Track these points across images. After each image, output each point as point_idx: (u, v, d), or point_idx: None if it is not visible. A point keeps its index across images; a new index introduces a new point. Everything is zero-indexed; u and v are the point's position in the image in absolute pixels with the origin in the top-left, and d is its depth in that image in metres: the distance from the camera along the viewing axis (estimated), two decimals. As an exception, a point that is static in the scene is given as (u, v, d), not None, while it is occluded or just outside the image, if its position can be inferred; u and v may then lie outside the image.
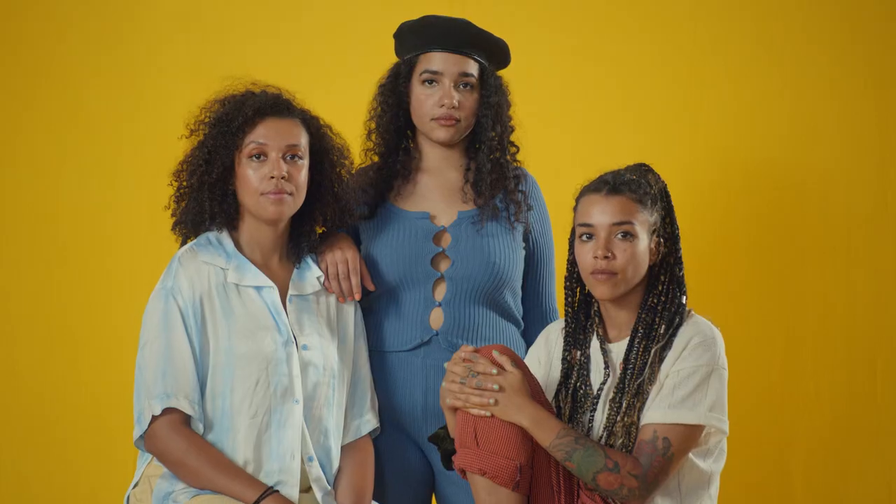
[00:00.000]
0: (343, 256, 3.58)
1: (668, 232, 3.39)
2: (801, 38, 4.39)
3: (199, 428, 3.40)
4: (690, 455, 3.28)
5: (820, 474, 4.34)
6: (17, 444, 4.31)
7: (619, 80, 4.40)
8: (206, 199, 3.48)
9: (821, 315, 4.37)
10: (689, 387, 3.25)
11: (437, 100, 3.63)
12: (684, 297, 3.38)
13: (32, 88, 4.35)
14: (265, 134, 3.45)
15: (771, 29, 4.40)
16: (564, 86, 4.37)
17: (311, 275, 3.56)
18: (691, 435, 3.25)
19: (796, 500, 4.33)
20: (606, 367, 3.37)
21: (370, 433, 3.62)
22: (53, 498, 4.28)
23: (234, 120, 3.46)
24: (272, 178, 3.42)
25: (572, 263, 3.41)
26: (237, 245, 3.51)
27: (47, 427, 4.30)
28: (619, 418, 3.29)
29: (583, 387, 3.39)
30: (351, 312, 3.62)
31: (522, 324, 3.78)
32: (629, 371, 3.31)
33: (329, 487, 3.49)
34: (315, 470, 3.46)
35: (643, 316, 3.34)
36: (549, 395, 3.42)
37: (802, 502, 4.34)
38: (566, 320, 3.47)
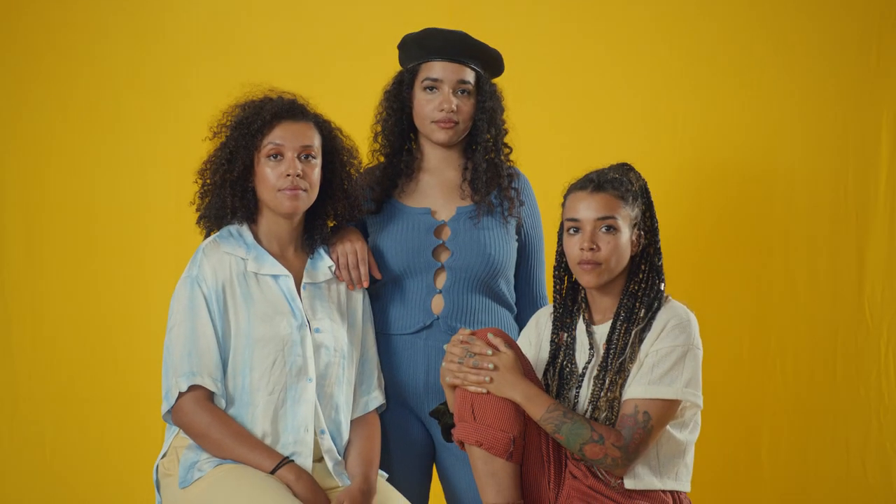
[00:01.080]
0: (352, 248, 3.59)
1: (647, 225, 3.40)
2: (766, 45, 4.39)
3: (222, 403, 3.41)
4: (668, 427, 3.30)
5: (784, 443, 4.35)
6: (57, 419, 4.32)
7: (603, 88, 4.41)
8: (228, 196, 3.49)
9: (785, 300, 4.38)
10: (666, 365, 3.27)
11: (437, 105, 3.64)
12: (662, 284, 3.40)
13: (73, 96, 4.35)
14: (282, 136, 3.46)
15: (739, 37, 4.40)
16: (554, 92, 4.38)
17: (324, 264, 3.57)
18: (669, 409, 3.27)
19: (763, 468, 4.34)
20: (591, 347, 3.39)
21: (377, 409, 3.62)
22: (89, 467, 4.28)
23: (253, 123, 3.47)
24: (288, 176, 3.43)
25: (560, 254, 3.42)
26: (256, 237, 3.52)
27: (83, 404, 4.31)
28: (602, 394, 3.30)
29: (569, 365, 3.40)
30: (359, 299, 3.63)
31: (515, 309, 3.78)
32: (612, 351, 3.33)
33: (339, 458, 3.49)
34: (327, 442, 3.47)
35: (625, 301, 3.35)
36: (539, 374, 3.44)
37: (769, 469, 4.34)
38: (555, 305, 3.48)
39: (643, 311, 3.34)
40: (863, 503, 4.31)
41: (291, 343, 3.44)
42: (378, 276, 3.63)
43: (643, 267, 3.38)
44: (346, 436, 3.53)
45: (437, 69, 3.65)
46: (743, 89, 4.39)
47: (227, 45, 4.35)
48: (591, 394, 3.32)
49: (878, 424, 4.31)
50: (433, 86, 3.65)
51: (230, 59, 4.29)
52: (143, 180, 4.31)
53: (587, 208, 3.33)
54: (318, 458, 3.48)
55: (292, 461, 3.38)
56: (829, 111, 4.38)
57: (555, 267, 3.46)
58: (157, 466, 3.51)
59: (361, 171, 3.68)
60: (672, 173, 4.26)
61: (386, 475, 3.58)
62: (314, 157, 3.50)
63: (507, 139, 3.75)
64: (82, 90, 4.35)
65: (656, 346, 3.29)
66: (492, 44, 3.71)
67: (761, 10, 4.39)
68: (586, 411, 3.32)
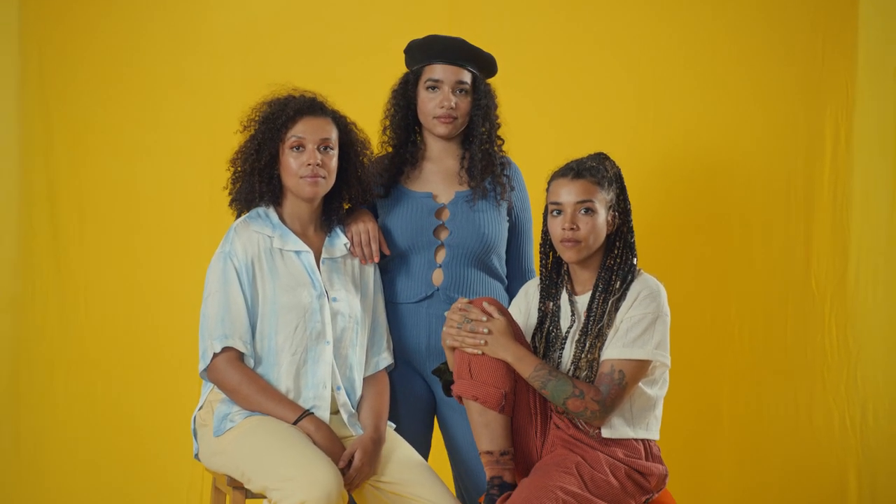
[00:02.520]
0: (365, 227, 3.61)
1: (621, 207, 3.41)
2: (729, 51, 4.39)
3: (251, 363, 3.44)
4: (640, 384, 3.32)
5: (742, 398, 4.38)
6: (106, 377, 4.32)
7: (584, 88, 4.41)
8: (257, 182, 3.51)
9: (743, 273, 4.39)
10: (638, 330, 3.29)
11: (438, 102, 3.65)
12: (635, 259, 3.41)
13: (121, 94, 4.35)
14: (303, 130, 3.47)
15: (704, 44, 4.40)
16: (541, 91, 4.38)
17: (340, 242, 3.59)
18: (641, 368, 3.29)
19: (723, 419, 4.37)
20: (573, 315, 3.40)
21: (386, 368, 3.64)
22: (135, 419, 4.30)
23: (278, 118, 3.49)
24: (309, 165, 3.45)
25: (545, 233, 3.43)
26: (281, 218, 3.53)
27: (129, 363, 4.32)
28: (583, 355, 3.32)
29: (555, 330, 3.41)
30: (371, 272, 3.65)
31: (506, 281, 3.79)
32: (591, 318, 3.34)
33: (353, 410, 3.51)
34: (342, 397, 3.49)
35: (602, 274, 3.37)
36: (528, 338, 3.45)
37: (728, 420, 4.37)
38: (541, 278, 3.49)
39: (618, 283, 3.35)
40: (808, 448, 4.34)
41: (312, 311, 3.46)
42: (387, 252, 3.65)
43: (618, 244, 3.39)
44: (359, 391, 3.55)
45: (438, 71, 3.66)
46: (708, 89, 4.40)
47: (255, 49, 4.35)
48: (574, 355, 3.34)
49: (822, 382, 4.33)
50: (435, 86, 3.66)
51: (257, 62, 4.29)
52: (182, 168, 4.32)
53: (568, 193, 3.34)
54: (335, 411, 3.50)
55: (312, 413, 3.40)
56: (781, 109, 4.39)
57: (541, 244, 3.47)
58: (195, 418, 3.54)
59: (372, 160, 3.69)
60: (645, 162, 4.27)
61: (394, 426, 3.60)
62: (332, 149, 3.51)
63: (499, 132, 3.76)
64: (129, 88, 4.35)
65: (630, 313, 3.31)
66: (486, 47, 3.73)
67: (725, 20, 4.39)
68: (569, 370, 3.34)
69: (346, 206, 3.66)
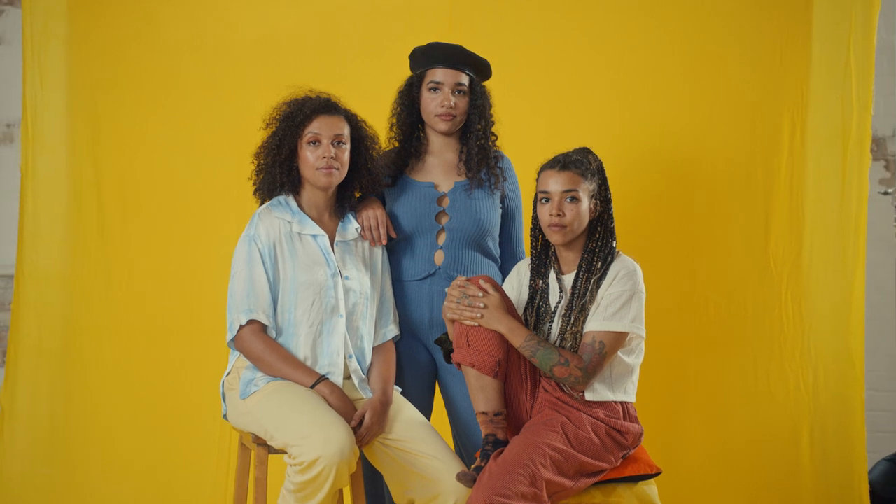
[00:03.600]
0: (374, 214, 3.59)
1: (603, 196, 3.40)
2: (699, 55, 4.36)
3: (272, 334, 3.43)
4: (619, 353, 3.32)
5: (709, 365, 4.35)
6: (145, 347, 4.31)
7: (570, 90, 4.37)
8: (278, 173, 3.50)
9: (709, 253, 4.36)
10: (617, 305, 3.29)
11: (439, 102, 3.63)
12: (614, 242, 3.41)
13: (157, 95, 4.32)
14: (319, 127, 3.46)
15: (678, 49, 4.36)
16: (531, 92, 4.34)
17: (352, 227, 3.57)
18: (619, 339, 3.29)
19: (691, 384, 4.34)
20: (560, 291, 3.39)
21: (392, 338, 3.62)
22: (171, 384, 4.28)
23: (297, 116, 3.48)
24: (324, 157, 3.44)
25: (535, 219, 3.42)
26: (299, 205, 3.53)
27: (166, 334, 4.30)
28: (568, 328, 3.32)
29: (543, 305, 3.41)
30: (379, 253, 3.62)
31: (499, 261, 3.77)
32: (576, 295, 3.34)
33: (363, 376, 3.50)
34: (354, 364, 3.48)
35: (585, 256, 3.36)
36: (520, 312, 3.44)
37: (695, 384, 4.34)
38: (531, 259, 3.48)
39: (599, 263, 3.35)
40: (767, 408, 4.31)
41: (326, 287, 3.45)
42: (394, 235, 3.63)
43: (599, 229, 3.38)
44: (368, 359, 3.53)
45: (439, 74, 3.63)
46: (680, 91, 4.35)
47: (276, 56, 4.32)
48: (560, 327, 3.34)
49: (779, 350, 4.30)
50: (436, 87, 3.64)
51: (278, 67, 4.26)
52: (211, 160, 4.29)
53: (555, 183, 3.33)
54: (347, 377, 3.49)
55: (327, 378, 3.40)
56: (743, 108, 4.35)
57: (531, 229, 3.46)
58: (223, 382, 3.54)
59: (381, 153, 3.67)
60: (624, 156, 4.24)
61: (399, 389, 3.59)
62: (344, 143, 3.49)
63: (494, 129, 3.74)
64: (165, 90, 4.32)
65: (609, 290, 3.31)
66: (482, 50, 3.71)
67: (695, 32, 4.35)
68: (556, 341, 3.34)
69: (358, 195, 3.65)
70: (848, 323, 4.26)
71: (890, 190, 4.77)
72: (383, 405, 3.41)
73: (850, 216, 4.26)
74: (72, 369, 4.28)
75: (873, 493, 4.52)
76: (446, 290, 3.37)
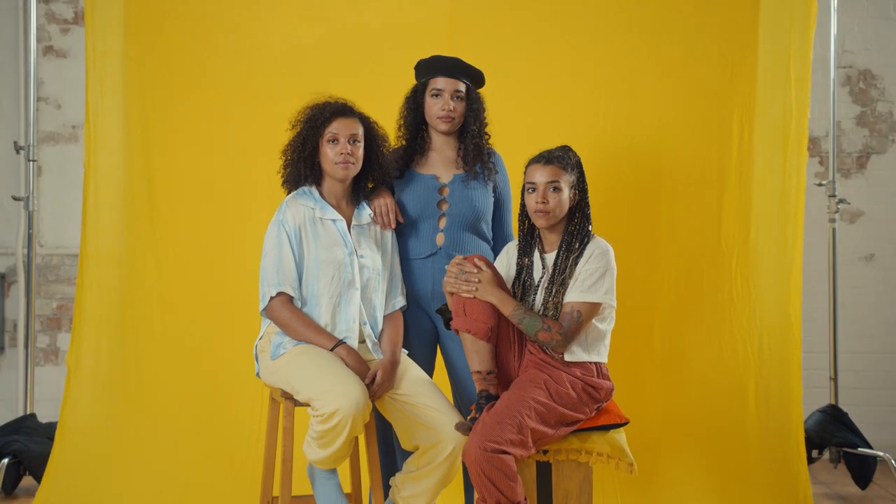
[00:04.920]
0: (385, 202, 3.56)
1: (580, 187, 3.39)
2: (659, 68, 4.32)
3: (298, 304, 3.42)
4: (593, 321, 3.31)
5: (669, 330, 4.32)
6: (190, 318, 4.28)
7: (553, 96, 4.33)
8: (302, 167, 3.49)
9: (669, 236, 4.33)
10: (592, 279, 3.28)
11: (440, 106, 3.60)
12: (590, 226, 3.39)
13: (202, 102, 4.29)
14: (337, 127, 3.44)
15: (642, 62, 4.33)
16: (520, 96, 4.30)
17: (365, 213, 3.55)
18: (594, 309, 3.29)
19: (655, 347, 4.32)
20: (543, 268, 3.37)
21: (400, 308, 3.59)
22: (213, 345, 4.26)
23: (318, 118, 3.46)
24: (342, 154, 3.43)
25: (523, 206, 3.40)
26: (321, 194, 3.50)
27: (208, 305, 4.27)
28: (550, 299, 3.31)
29: (529, 280, 3.39)
30: (389, 235, 3.60)
31: (492, 242, 3.73)
32: (557, 271, 3.33)
33: (376, 340, 3.49)
34: (367, 330, 3.47)
35: (565, 237, 3.35)
36: (509, 285, 3.41)
37: (659, 348, 4.32)
38: (519, 240, 3.46)
39: (577, 244, 3.34)
40: (719, 368, 4.29)
41: (344, 265, 3.43)
42: (401, 220, 3.60)
43: (577, 215, 3.37)
44: (380, 326, 3.51)
45: (440, 82, 3.60)
46: (646, 98, 4.32)
47: (301, 67, 4.28)
48: (543, 299, 3.32)
49: (729, 319, 4.28)
50: (437, 93, 3.61)
51: (302, 76, 4.22)
52: (246, 157, 4.25)
53: (540, 175, 3.32)
54: (362, 341, 3.48)
55: (345, 342, 3.38)
56: (699, 112, 4.32)
57: (519, 214, 3.44)
58: (256, 345, 3.53)
59: (390, 150, 3.65)
60: (599, 153, 4.20)
61: (406, 352, 3.56)
62: (359, 142, 3.48)
63: (487, 129, 3.70)
64: (206, 96, 4.29)
65: (586, 267, 3.29)
66: (476, 60, 3.68)
67: (658, 47, 4.31)
68: (540, 310, 3.33)
69: (371, 186, 3.62)
70: (787, 295, 4.26)
71: (823, 182, 4.76)
72: (393, 365, 3.39)
73: (790, 205, 4.26)
74: (127, 335, 4.25)
75: (808, 440, 4.53)
76: (446, 267, 3.37)
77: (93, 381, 4.22)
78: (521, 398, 3.19)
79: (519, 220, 3.44)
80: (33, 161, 4.61)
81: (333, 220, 3.47)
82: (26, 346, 4.63)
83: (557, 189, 3.30)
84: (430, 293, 3.62)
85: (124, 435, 4.19)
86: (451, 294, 3.32)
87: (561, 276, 3.30)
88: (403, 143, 3.70)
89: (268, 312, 3.42)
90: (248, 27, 4.29)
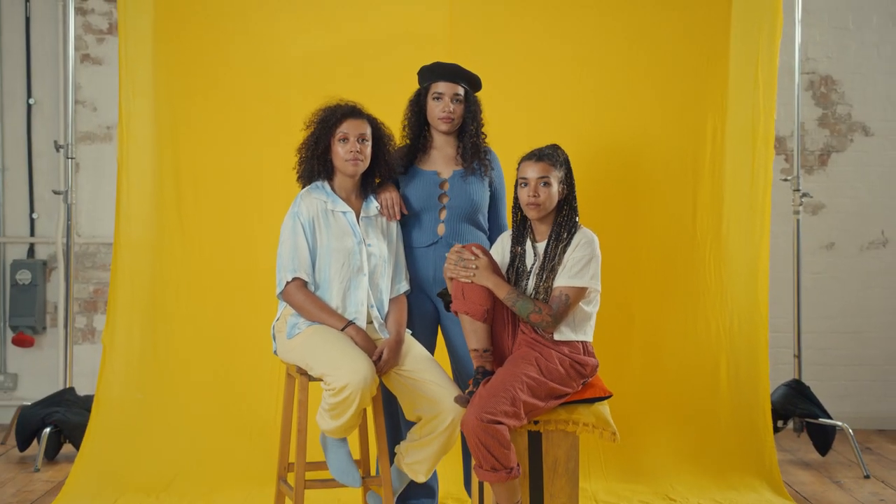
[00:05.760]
0: (390, 196, 3.54)
1: (568, 182, 3.36)
2: (641, 74, 4.28)
3: (312, 288, 3.39)
4: (580, 303, 3.29)
5: (649, 313, 4.29)
6: (215, 300, 4.24)
7: (544, 99, 4.28)
8: (315, 164, 3.45)
9: (648, 225, 4.29)
10: (579, 266, 3.25)
11: (441, 108, 3.57)
12: (577, 218, 3.36)
13: (225, 104, 4.25)
14: (347, 127, 3.41)
15: (627, 70, 4.29)
16: (514, 99, 4.25)
17: (373, 205, 3.52)
18: (581, 293, 3.26)
19: (635, 324, 4.28)
20: (534, 255, 3.35)
21: (404, 292, 3.56)
22: (236, 325, 4.22)
23: (330, 119, 3.43)
24: (351, 151, 3.40)
25: (516, 199, 3.37)
26: (332, 189, 3.47)
27: (230, 290, 4.23)
28: (541, 284, 3.28)
29: (521, 266, 3.36)
30: (394, 226, 3.56)
31: (488, 232, 3.70)
32: (547, 258, 3.30)
33: (382, 321, 3.46)
34: (374, 312, 3.44)
35: (555, 228, 3.32)
36: (503, 271, 3.38)
37: (639, 329, 4.28)
38: (512, 230, 3.43)
39: (565, 233, 3.31)
40: (693, 346, 4.26)
41: (353, 253, 3.40)
42: (405, 212, 3.57)
43: (565, 207, 3.34)
44: (386, 308, 3.48)
45: (441, 87, 3.57)
46: (629, 102, 4.28)
47: (314, 72, 4.23)
48: (534, 283, 3.29)
49: (703, 301, 4.26)
50: (439, 97, 3.58)
51: (315, 80, 4.17)
52: (265, 154, 4.20)
53: (532, 171, 3.29)
54: (370, 322, 3.45)
55: (354, 323, 3.37)
56: (677, 115, 4.28)
57: (513, 207, 3.41)
58: (273, 326, 3.50)
59: (395, 148, 3.61)
60: (586, 151, 4.15)
61: (410, 332, 3.54)
62: (367, 140, 3.44)
63: (484, 129, 3.67)
64: (229, 99, 4.24)
65: (573, 255, 3.27)
66: (474, 66, 3.66)
67: (645, 54, 4.28)
68: (531, 294, 3.30)
69: (377, 181, 3.59)
70: (756, 280, 4.24)
71: (789, 178, 4.74)
72: (398, 344, 3.37)
73: (758, 197, 4.25)
74: (157, 316, 4.22)
75: (774, 411, 4.52)
76: (446, 254, 3.33)
77: (125, 358, 4.19)
78: (514, 374, 3.17)
79: (512, 212, 3.41)
80: (71, 158, 4.59)
81: (344, 212, 3.44)
82: (66, 327, 4.61)
83: (547, 184, 3.27)
84: (432, 278, 3.59)
85: (154, 406, 4.17)
86: (451, 279, 3.29)
87: (551, 263, 3.27)
88: (408, 141, 3.67)
89: (284, 296, 3.39)
90: (265, 36, 4.26)
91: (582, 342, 3.30)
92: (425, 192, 3.59)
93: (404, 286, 3.55)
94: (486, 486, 3.25)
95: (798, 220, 4.72)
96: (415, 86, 3.67)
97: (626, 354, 4.24)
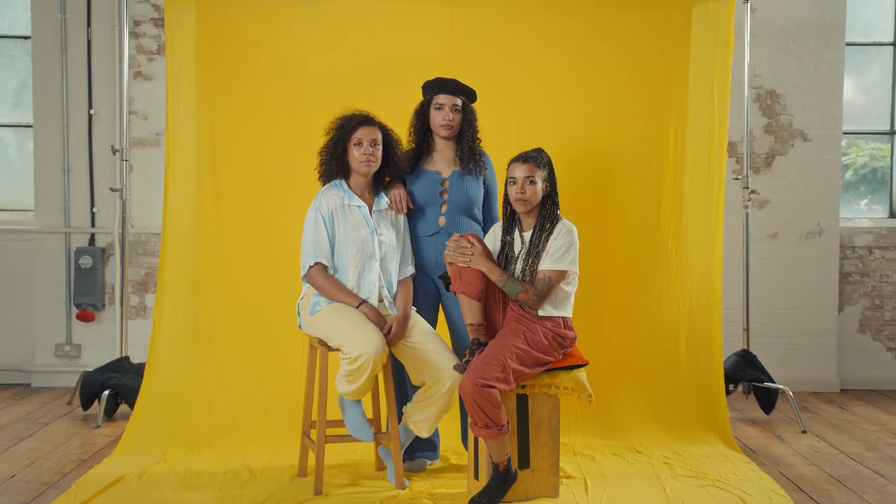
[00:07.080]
0: (399, 192, 3.50)
1: (551, 180, 3.33)
2: (616, 82, 4.23)
3: (331, 271, 3.37)
4: (561, 284, 3.26)
5: (620, 293, 4.25)
6: (249, 281, 4.19)
7: (530, 108, 4.24)
8: (334, 165, 3.43)
9: (619, 218, 4.24)
10: (560, 252, 3.22)
11: (442, 117, 3.54)
12: (558, 211, 3.33)
13: (259, 111, 4.20)
14: (362, 134, 3.38)
15: (602, 78, 4.24)
16: (503, 110, 4.18)
17: (383, 201, 3.49)
18: (562, 275, 3.23)
19: (608, 306, 4.24)
20: (522, 243, 3.31)
21: (410, 275, 3.52)
22: (263, 301, 4.18)
23: (346, 126, 3.40)
24: (365, 154, 3.37)
25: (506, 195, 3.34)
26: (348, 186, 3.44)
27: (261, 273, 4.18)
28: (527, 268, 3.25)
29: (510, 252, 3.33)
30: (402, 218, 3.53)
31: (482, 224, 3.65)
32: (532, 245, 3.27)
33: (391, 300, 3.43)
34: (385, 292, 3.41)
35: (539, 220, 3.29)
36: (495, 257, 3.35)
37: (611, 306, 4.24)
38: (503, 222, 3.40)
39: (548, 224, 3.28)
40: (657, 322, 4.22)
41: (366, 241, 3.38)
42: (412, 206, 3.54)
43: (548, 202, 3.31)
44: (395, 288, 3.45)
45: (442, 98, 3.54)
46: (603, 109, 4.23)
47: (334, 86, 4.18)
48: (522, 268, 3.26)
49: (666, 284, 4.22)
50: (440, 107, 3.54)
51: (335, 93, 4.11)
52: (292, 156, 4.13)
53: (519, 171, 3.26)
54: (381, 300, 3.42)
55: (367, 301, 3.34)
56: (644, 120, 4.23)
57: (503, 202, 3.38)
58: (298, 304, 3.48)
59: (403, 152, 3.57)
60: (566, 153, 4.09)
61: (415, 309, 3.50)
62: (378, 145, 3.41)
63: (478, 135, 3.63)
64: (262, 107, 4.20)
65: (555, 242, 3.24)
66: (470, 80, 3.63)
67: (614, 67, 4.23)
68: (519, 276, 3.27)
69: (387, 179, 3.55)
70: (711, 265, 4.20)
71: (739, 177, 4.70)
72: (405, 319, 3.35)
73: (713, 194, 4.21)
74: (198, 296, 4.19)
75: (726, 376, 4.49)
76: (446, 242, 3.31)
77: (172, 332, 4.16)
78: (504, 345, 3.15)
79: (503, 206, 3.37)
80: (126, 161, 4.55)
81: (358, 207, 3.40)
82: (121, 305, 4.59)
83: (533, 182, 3.23)
84: (434, 263, 3.55)
85: (197, 373, 4.14)
86: (451, 264, 3.26)
87: (536, 250, 3.24)
88: (413, 145, 3.63)
89: (307, 278, 3.36)
90: (290, 56, 4.22)
91: (563, 318, 3.27)
92: (428, 189, 3.55)
93: (410, 270, 3.51)
94: (481, 440, 3.23)
95: (747, 214, 4.68)
96: (419, 97, 3.62)
97: (601, 328, 4.20)
